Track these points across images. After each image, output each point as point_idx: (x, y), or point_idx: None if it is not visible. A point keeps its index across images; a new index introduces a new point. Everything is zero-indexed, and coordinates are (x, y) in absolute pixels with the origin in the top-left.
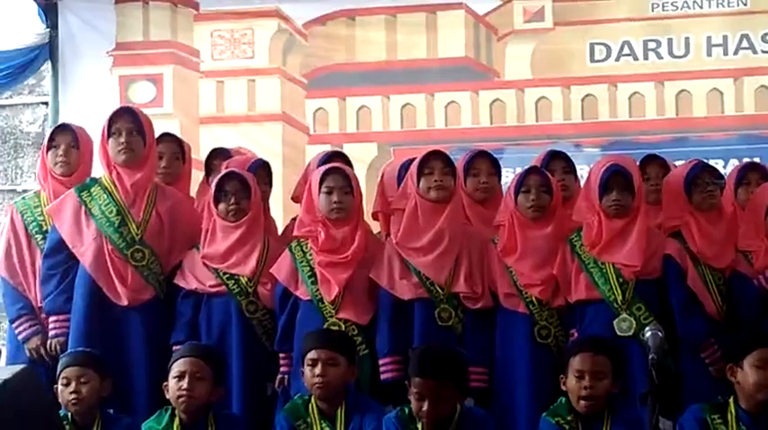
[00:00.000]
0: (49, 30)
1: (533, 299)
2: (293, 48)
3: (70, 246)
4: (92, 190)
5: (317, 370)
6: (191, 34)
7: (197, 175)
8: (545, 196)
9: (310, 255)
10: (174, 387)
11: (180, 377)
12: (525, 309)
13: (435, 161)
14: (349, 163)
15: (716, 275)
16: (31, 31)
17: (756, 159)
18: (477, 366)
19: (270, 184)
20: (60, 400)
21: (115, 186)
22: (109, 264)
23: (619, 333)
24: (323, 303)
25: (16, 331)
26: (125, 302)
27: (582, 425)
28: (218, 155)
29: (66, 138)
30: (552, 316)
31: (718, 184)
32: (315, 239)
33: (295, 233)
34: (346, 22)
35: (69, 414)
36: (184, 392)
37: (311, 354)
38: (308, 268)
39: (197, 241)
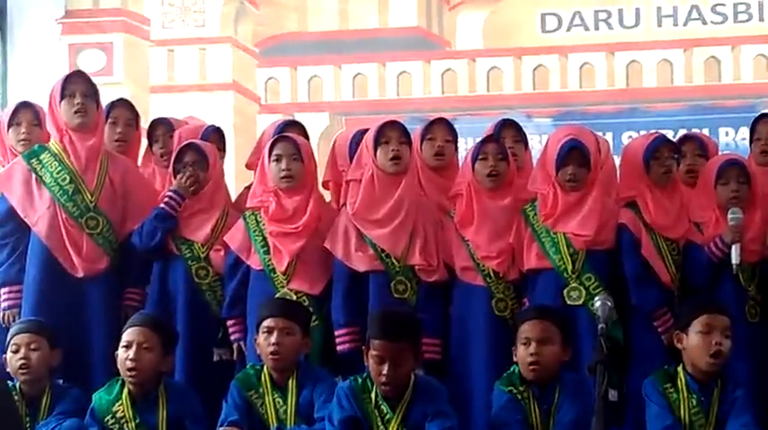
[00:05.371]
0: None
1: (490, 271)
2: (244, 16)
3: (22, 216)
4: (41, 157)
5: (273, 338)
6: (141, 2)
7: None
8: (502, 164)
9: (263, 224)
10: (121, 357)
11: (127, 347)
12: (482, 282)
13: (392, 131)
14: (305, 131)
15: (670, 245)
16: None
17: (705, 130)
18: (431, 337)
19: (223, 149)
20: (9, 369)
21: (66, 152)
22: (63, 233)
23: (568, 301)
24: (275, 273)
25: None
26: (81, 273)
27: (533, 394)
28: (160, 125)
29: (28, 115)
30: (509, 288)
31: (675, 159)
32: (267, 209)
33: (248, 205)
34: None
35: (18, 384)
36: (131, 363)
37: (267, 322)
38: (261, 238)
39: (150, 209)
